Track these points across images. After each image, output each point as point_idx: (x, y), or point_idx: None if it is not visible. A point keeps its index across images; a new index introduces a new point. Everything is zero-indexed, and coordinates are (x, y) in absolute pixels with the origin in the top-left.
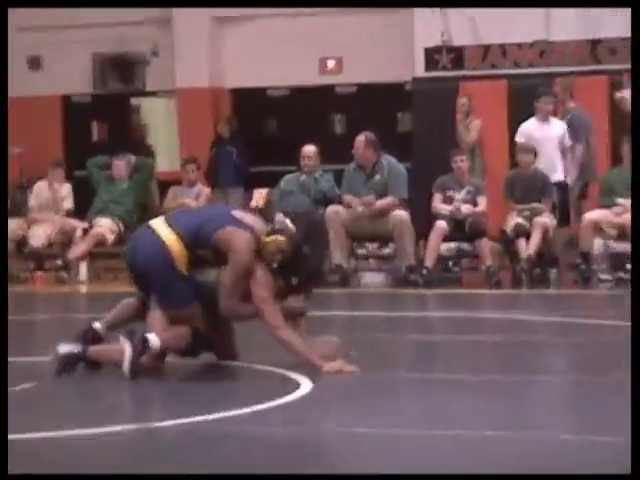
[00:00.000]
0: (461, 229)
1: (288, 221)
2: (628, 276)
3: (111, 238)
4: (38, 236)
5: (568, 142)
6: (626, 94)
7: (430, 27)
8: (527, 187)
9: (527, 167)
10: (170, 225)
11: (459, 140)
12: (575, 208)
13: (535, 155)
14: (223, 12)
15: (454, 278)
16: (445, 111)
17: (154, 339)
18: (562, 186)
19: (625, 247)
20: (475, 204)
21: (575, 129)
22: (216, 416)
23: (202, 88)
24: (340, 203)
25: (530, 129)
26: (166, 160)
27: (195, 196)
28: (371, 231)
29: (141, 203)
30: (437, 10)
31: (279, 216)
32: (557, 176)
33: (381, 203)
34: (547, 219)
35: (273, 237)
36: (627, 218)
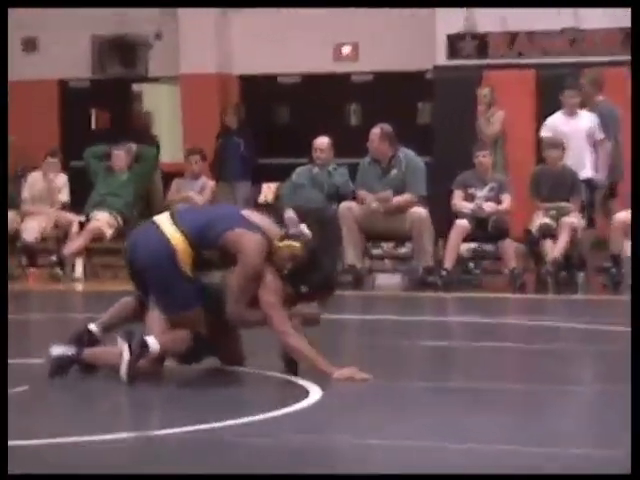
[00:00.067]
0: (483, 229)
1: (304, 227)
2: None
3: (109, 233)
4: (31, 230)
5: (599, 135)
6: None
7: (453, 12)
8: (554, 184)
9: (554, 163)
10: (175, 222)
11: (479, 133)
12: (603, 208)
13: (563, 150)
14: None
15: (475, 281)
16: (468, 102)
17: (153, 342)
18: (590, 184)
19: None
20: (498, 202)
21: (603, 124)
22: (220, 425)
23: (208, 74)
24: (354, 199)
25: (556, 123)
26: (169, 151)
27: (199, 189)
28: (387, 229)
29: (142, 196)
30: None
31: (289, 214)
32: (585, 173)
33: (398, 200)
34: (575, 219)
35: (287, 242)
36: None
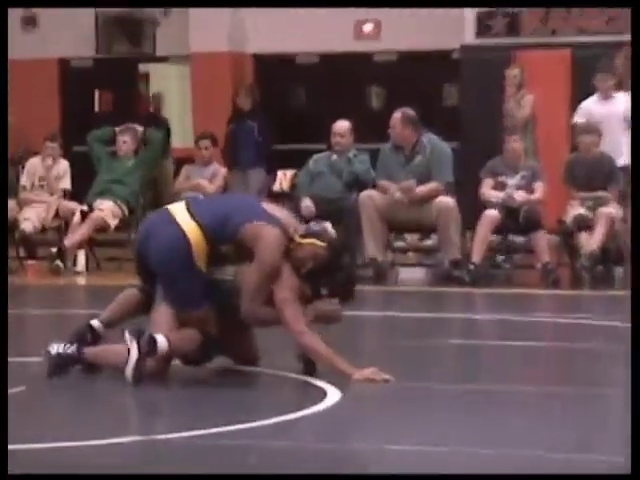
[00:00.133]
0: (514, 220)
1: (329, 225)
2: None
3: (113, 223)
4: (30, 220)
5: None
6: None
7: None
8: (590, 172)
9: (589, 149)
10: (191, 213)
11: (507, 117)
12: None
13: (599, 136)
14: None
15: (505, 276)
16: (497, 84)
17: (162, 340)
18: (628, 172)
19: None
20: (531, 191)
21: None
22: (232, 428)
23: (220, 53)
24: (374, 187)
25: (591, 107)
26: (178, 135)
27: (210, 177)
28: (411, 220)
29: (150, 183)
30: None
31: (306, 203)
32: (623, 160)
33: (423, 189)
34: (613, 209)
35: (310, 240)
36: None
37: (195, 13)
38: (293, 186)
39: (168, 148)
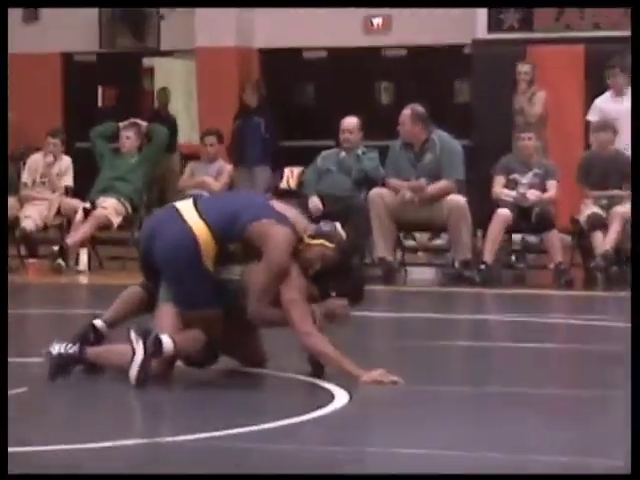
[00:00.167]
0: (527, 219)
1: (338, 225)
2: None
3: (116, 221)
4: (32, 217)
5: None
6: None
7: None
8: (605, 171)
9: (604, 147)
10: (199, 211)
11: (517, 114)
12: None
13: (614, 133)
14: None
15: (517, 276)
16: (510, 80)
17: (168, 341)
18: None
19: None
20: (543, 189)
21: None
22: (238, 431)
23: (227, 47)
24: (384, 185)
25: (604, 105)
26: (183, 131)
27: (215, 174)
28: (421, 219)
29: (153, 181)
30: None
31: (314, 202)
32: None
33: (434, 188)
34: (628, 209)
35: (319, 241)
36: None
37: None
38: (300, 184)
39: (174, 145)
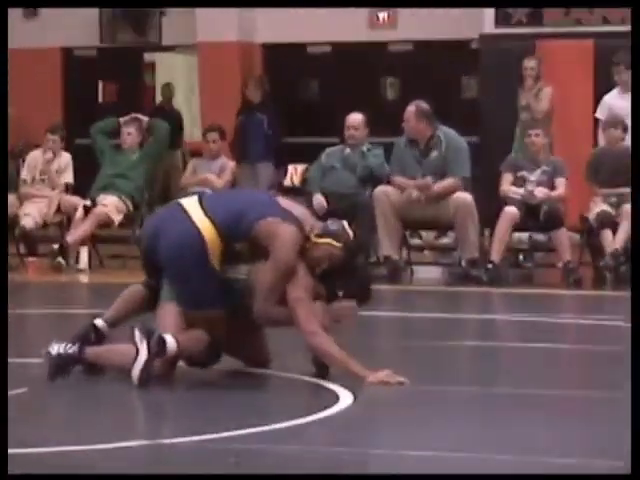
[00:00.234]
0: (535, 217)
1: (345, 223)
2: None
3: (117, 219)
4: (31, 215)
5: None
6: None
7: None
8: (614, 168)
9: (614, 144)
10: (204, 209)
11: (523, 110)
12: None
13: (624, 130)
14: None
15: (525, 275)
16: (518, 75)
17: (171, 341)
18: None
19: None
20: (552, 187)
21: None
22: (242, 433)
23: (229, 42)
24: (389, 183)
25: (611, 102)
26: (185, 128)
27: (218, 171)
28: (427, 217)
29: (154, 178)
30: None
31: (318, 199)
32: None
33: (440, 186)
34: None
35: (326, 239)
36: None
37: None
38: (304, 181)
39: (179, 140)
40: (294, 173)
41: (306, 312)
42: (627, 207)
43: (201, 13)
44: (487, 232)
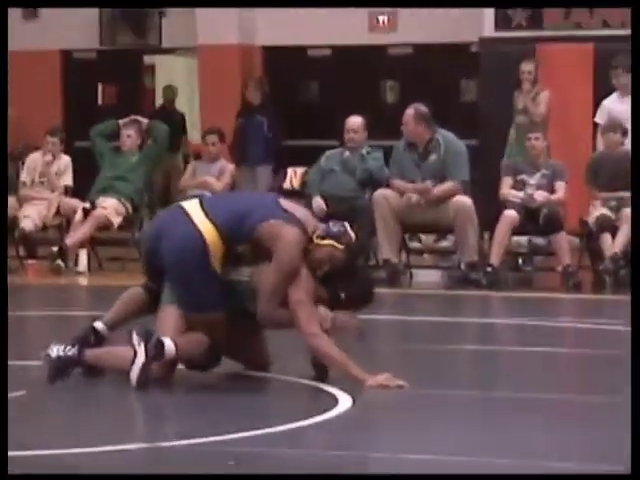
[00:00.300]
0: (534, 220)
1: (347, 225)
2: None
3: (117, 221)
4: (31, 217)
5: None
6: None
7: None
8: (614, 172)
9: (613, 148)
10: (205, 211)
11: (519, 113)
12: None
13: (624, 134)
14: None
15: (524, 278)
16: (518, 79)
17: (169, 344)
18: None
19: None
20: (551, 191)
21: None
22: (241, 435)
23: (229, 45)
24: (388, 186)
25: (610, 106)
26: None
27: (217, 174)
28: (426, 220)
29: (153, 180)
30: None
31: (318, 202)
32: None
33: (440, 190)
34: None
35: (328, 241)
36: None
37: None
38: (304, 184)
39: (181, 142)
40: (293, 176)
41: (307, 314)
42: (627, 211)
43: (201, 15)
44: (486, 235)
